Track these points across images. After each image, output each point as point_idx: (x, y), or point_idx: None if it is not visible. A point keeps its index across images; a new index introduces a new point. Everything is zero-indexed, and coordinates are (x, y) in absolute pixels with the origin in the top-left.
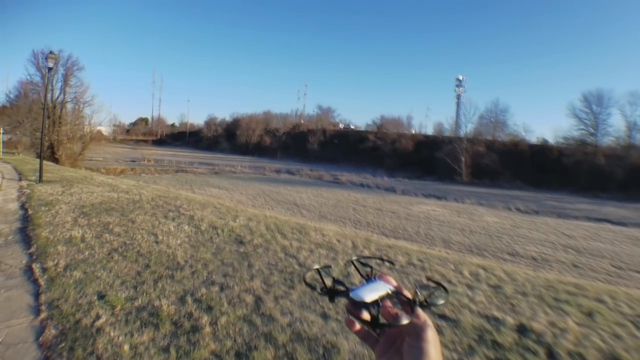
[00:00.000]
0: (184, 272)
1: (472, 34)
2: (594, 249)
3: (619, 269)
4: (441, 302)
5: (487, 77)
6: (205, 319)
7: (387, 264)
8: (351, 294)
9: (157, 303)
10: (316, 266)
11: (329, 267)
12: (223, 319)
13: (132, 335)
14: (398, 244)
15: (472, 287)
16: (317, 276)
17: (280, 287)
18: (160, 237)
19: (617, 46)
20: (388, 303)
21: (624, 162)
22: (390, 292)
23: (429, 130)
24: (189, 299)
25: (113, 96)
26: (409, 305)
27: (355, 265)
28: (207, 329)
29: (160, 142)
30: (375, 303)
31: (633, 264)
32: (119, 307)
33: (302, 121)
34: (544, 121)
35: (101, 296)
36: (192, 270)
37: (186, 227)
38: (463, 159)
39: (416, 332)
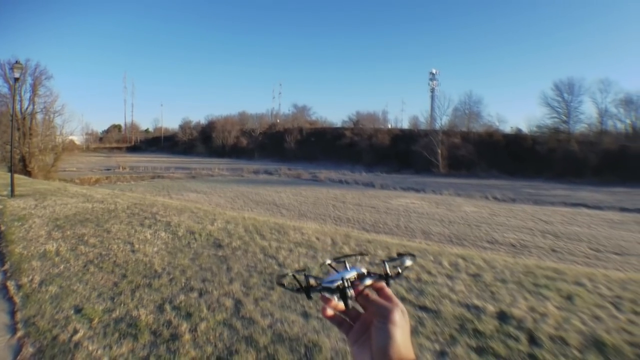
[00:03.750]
0: (161, 280)
1: (444, 27)
2: (572, 233)
3: (597, 251)
4: (408, 263)
5: (460, 70)
6: (184, 326)
7: (364, 257)
8: (322, 283)
9: (135, 313)
10: (289, 272)
11: (302, 271)
12: (203, 325)
13: (110, 348)
14: (378, 238)
15: (451, 277)
16: (294, 280)
17: (260, 289)
18: (137, 246)
19: (587, 34)
20: (359, 284)
21: (597, 147)
22: (360, 273)
23: (405, 124)
24: (168, 307)
25: (84, 104)
26: (382, 280)
27: (332, 266)
28: (187, 336)
29: (134, 148)
30: (344, 283)
31: (610, 246)
32: (96, 319)
33: (278, 120)
34: (517, 111)
35: (78, 310)
36: (170, 278)
37: (163, 234)
38: (439, 151)
39: (383, 314)
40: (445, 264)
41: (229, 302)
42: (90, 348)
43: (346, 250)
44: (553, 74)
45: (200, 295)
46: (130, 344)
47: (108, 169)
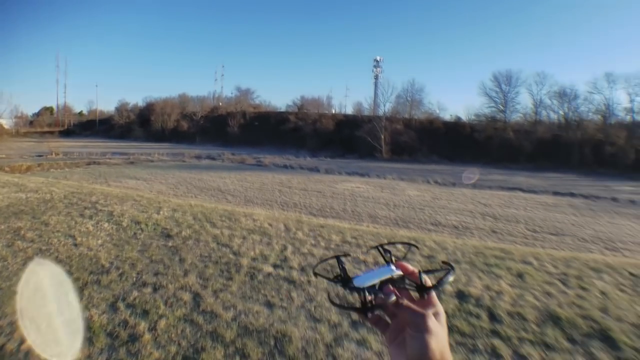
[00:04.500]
0: (110, 276)
1: (389, 15)
2: (510, 215)
3: (534, 232)
4: (450, 279)
5: (403, 58)
6: (142, 325)
7: (412, 248)
8: (354, 279)
9: (86, 314)
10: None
11: (348, 255)
12: (162, 323)
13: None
14: (329, 222)
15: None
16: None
17: (218, 280)
18: (79, 239)
19: (527, 29)
20: (390, 288)
21: (532, 136)
22: (394, 276)
23: (349, 110)
24: (121, 305)
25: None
26: (417, 290)
27: (380, 251)
28: (147, 336)
29: (68, 132)
30: (372, 288)
31: (546, 227)
32: (45, 324)
33: (221, 104)
34: (457, 100)
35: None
36: (120, 272)
37: (106, 225)
38: (382, 136)
39: (415, 322)
40: (399, 246)
41: (186, 296)
42: (42, 357)
43: (300, 235)
44: (492, 65)
45: (155, 290)
46: (85, 349)
47: (40, 155)
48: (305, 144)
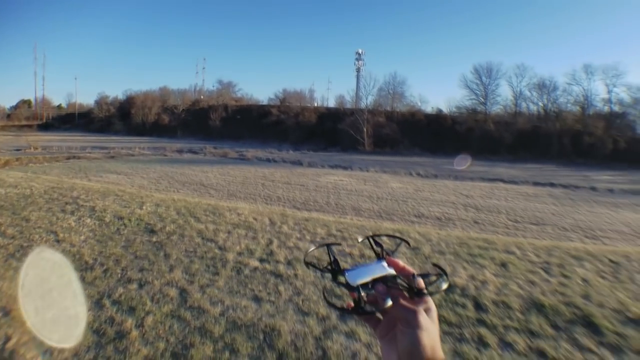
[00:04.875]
0: (95, 272)
1: (370, 7)
2: (491, 206)
3: (515, 222)
4: (444, 286)
5: (385, 51)
6: (129, 321)
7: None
8: (346, 274)
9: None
10: (316, 246)
11: (338, 244)
12: (149, 319)
13: (51, 354)
14: (314, 216)
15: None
16: (319, 253)
17: (204, 275)
18: (62, 235)
19: (506, 22)
20: (383, 287)
21: (512, 127)
22: (387, 275)
23: (331, 103)
24: (107, 302)
25: None
26: (409, 292)
27: (370, 243)
28: (134, 333)
29: (46, 126)
30: (365, 286)
31: (527, 217)
32: (29, 322)
33: (202, 97)
34: (438, 92)
35: (6, 312)
36: (104, 269)
37: (88, 221)
38: (365, 129)
39: (406, 318)
40: (384, 238)
41: (173, 292)
42: (27, 356)
43: (285, 229)
44: (473, 58)
45: (141, 286)
46: (72, 347)
47: (18, 149)
48: (288, 137)
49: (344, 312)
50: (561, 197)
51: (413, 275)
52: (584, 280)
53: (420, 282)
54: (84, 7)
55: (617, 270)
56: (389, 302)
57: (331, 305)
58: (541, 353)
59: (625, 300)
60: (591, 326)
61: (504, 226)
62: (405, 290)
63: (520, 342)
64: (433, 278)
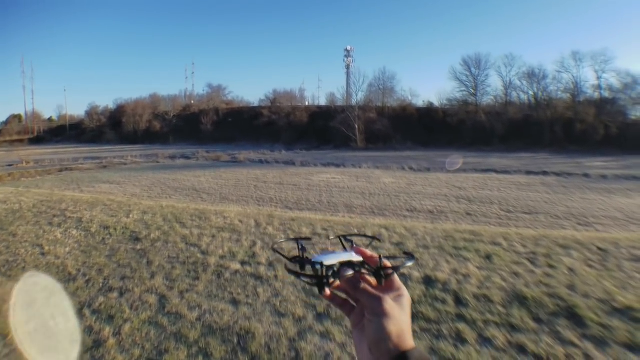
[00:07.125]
0: (77, 283)
1: (358, 4)
2: (484, 197)
3: (508, 212)
4: (409, 264)
5: (374, 47)
6: (107, 330)
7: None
8: (312, 259)
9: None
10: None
11: (309, 239)
12: (127, 327)
13: None
14: (301, 215)
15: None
16: (288, 246)
17: (185, 281)
18: (47, 248)
19: (493, 11)
20: (348, 271)
21: (503, 117)
22: (353, 260)
23: (322, 101)
24: (87, 312)
25: None
26: (375, 275)
27: (341, 241)
28: (111, 341)
29: (38, 139)
30: (330, 267)
31: (520, 207)
32: (10, 335)
33: (193, 102)
34: (428, 86)
35: None
36: (86, 279)
37: (74, 232)
38: (356, 126)
39: (372, 306)
40: (369, 235)
41: (152, 299)
42: None
43: (270, 230)
44: (461, 50)
45: (121, 294)
46: None
47: (10, 165)
48: (280, 137)
49: (300, 277)
50: (554, 185)
51: (380, 257)
52: (571, 270)
53: (386, 262)
54: (69, 19)
55: (605, 258)
56: (350, 272)
57: (291, 271)
58: (521, 348)
59: (612, 290)
60: (575, 318)
61: (497, 217)
62: (372, 274)
63: (499, 337)
64: (401, 260)
